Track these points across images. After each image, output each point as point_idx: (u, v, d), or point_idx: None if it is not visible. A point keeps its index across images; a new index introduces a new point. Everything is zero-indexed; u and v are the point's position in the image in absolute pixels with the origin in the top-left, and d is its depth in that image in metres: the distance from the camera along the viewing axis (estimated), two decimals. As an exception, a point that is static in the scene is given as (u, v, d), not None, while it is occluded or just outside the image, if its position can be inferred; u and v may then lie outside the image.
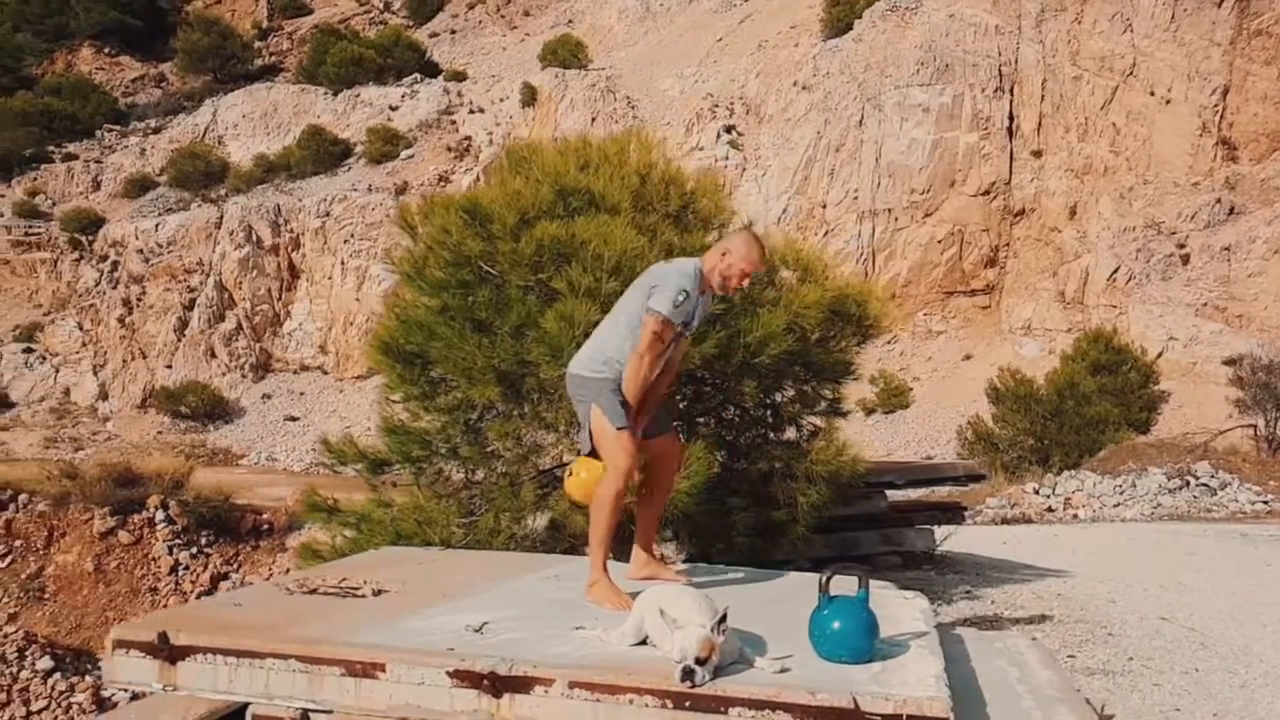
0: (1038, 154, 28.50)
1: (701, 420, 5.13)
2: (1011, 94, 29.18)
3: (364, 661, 2.54)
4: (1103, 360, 20.74)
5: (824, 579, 2.79)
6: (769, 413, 5.35)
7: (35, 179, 40.46)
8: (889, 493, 8.42)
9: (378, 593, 3.40)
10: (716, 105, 35.83)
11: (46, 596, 21.97)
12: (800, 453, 5.18)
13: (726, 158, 34.08)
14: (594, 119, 36.94)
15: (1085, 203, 27.57)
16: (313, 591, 3.39)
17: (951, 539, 9.64)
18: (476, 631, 2.84)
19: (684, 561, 4.66)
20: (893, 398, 27.47)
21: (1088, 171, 27.75)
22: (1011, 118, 29.02)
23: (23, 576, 22.25)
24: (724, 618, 2.57)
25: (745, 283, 3.69)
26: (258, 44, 47.48)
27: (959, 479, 7.98)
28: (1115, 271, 26.13)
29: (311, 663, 2.58)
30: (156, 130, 42.54)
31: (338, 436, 5.36)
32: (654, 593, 2.80)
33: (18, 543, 22.81)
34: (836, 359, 5.31)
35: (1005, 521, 15.11)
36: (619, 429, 3.46)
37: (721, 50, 38.64)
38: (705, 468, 4.53)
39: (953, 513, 7.94)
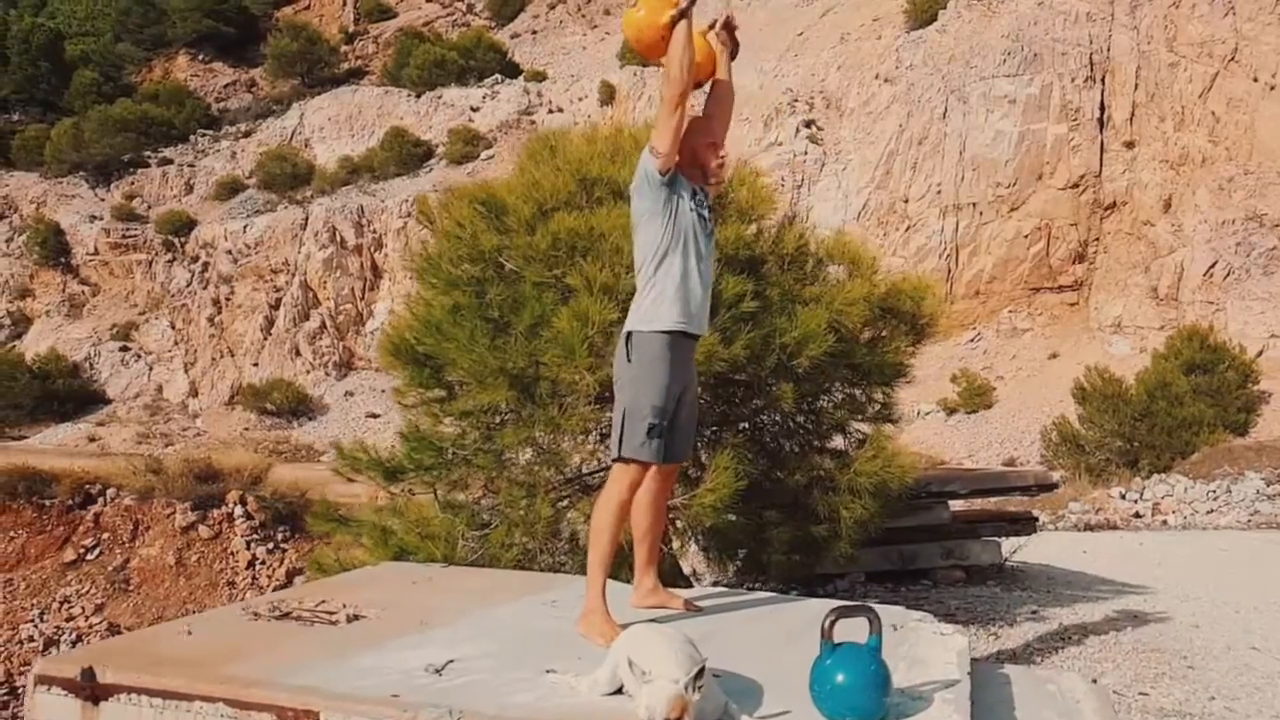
0: (1130, 145, 27.15)
1: (727, 428, 4.76)
2: (1103, 83, 27.87)
3: (295, 708, 2.28)
4: (1198, 359, 19.69)
5: (826, 622, 2.41)
6: (811, 419, 4.95)
7: (133, 183, 42.00)
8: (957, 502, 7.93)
9: (353, 618, 3.15)
10: (796, 100, 35.20)
11: (131, 588, 22.67)
12: (844, 463, 4.77)
13: (805, 152, 33.44)
14: (670, 116, 36.62)
15: (1181, 195, 26.16)
16: (285, 616, 3.15)
17: (1028, 548, 9.06)
18: (437, 672, 2.55)
19: (712, 582, 4.31)
20: (975, 397, 26.54)
21: (1184, 162, 26.31)
22: (1103, 108, 27.72)
23: (109, 569, 23.01)
24: (701, 671, 2.21)
25: (724, 156, 3.43)
26: (344, 48, 48.45)
27: (1028, 488, 7.41)
28: (1212, 266, 24.72)
29: (240, 707, 2.33)
30: (246, 134, 43.74)
31: (350, 442, 5.17)
32: (629, 634, 2.46)
33: (105, 535, 23.60)
34: (886, 361, 4.88)
35: (1089, 528, 14.34)
36: (628, 460, 3.14)
37: (802, 44, 37.94)
38: (732, 479, 4.17)
39: (1023, 523, 7.38)
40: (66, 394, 36.06)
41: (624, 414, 3.18)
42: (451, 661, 2.64)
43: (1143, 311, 26.09)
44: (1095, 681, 4.06)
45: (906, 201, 29.78)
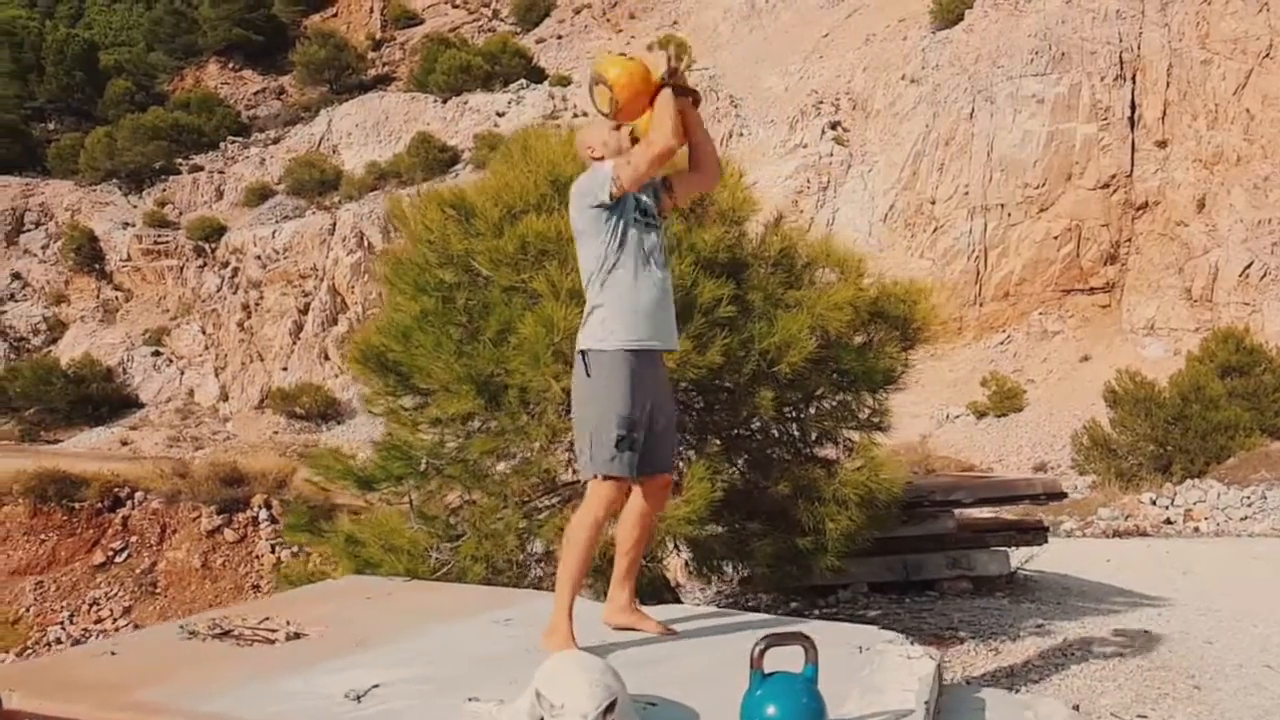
0: (1162, 144, 26.60)
1: (705, 437, 4.60)
2: (1133, 82, 27.34)
3: (189, 736, 2.17)
4: (1233, 361, 19.18)
5: (756, 650, 2.25)
6: (796, 427, 4.78)
7: (164, 190, 42.55)
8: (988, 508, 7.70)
9: (293, 637, 3.03)
10: (821, 101, 34.92)
11: (158, 591, 22.88)
12: (830, 472, 4.60)
13: (831, 154, 33.14)
14: (695, 119, 36.48)
15: (1215, 194, 25.56)
16: (226, 634, 3.05)
17: (1047, 556, 8.80)
18: (356, 700, 2.43)
19: (709, 598, 4.15)
20: (1005, 401, 26.10)
21: (1218, 161, 25.71)
22: (1133, 106, 27.19)
23: (137, 571, 23.26)
24: (613, 705, 2.06)
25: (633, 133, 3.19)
26: (371, 55, 48.81)
27: (1036, 497, 7.17)
28: (1248, 267, 24.13)
29: (145, 735, 2.22)
30: (275, 141, 44.16)
31: (323, 450, 5.07)
32: (548, 663, 2.32)
33: (133, 538, 23.84)
34: (875, 366, 4.70)
35: (1118, 534, 14.01)
36: (602, 477, 3.00)
37: (828, 46, 37.65)
38: (708, 490, 4.01)
39: (1033, 533, 7.14)
40: (100, 398, 36.60)
41: (590, 431, 3.05)
42: (376, 686, 2.52)
43: (1176, 313, 25.54)
44: (1077, 708, 3.87)
45: (933, 203, 29.39)
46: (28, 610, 21.95)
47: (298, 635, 3.06)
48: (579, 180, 3.13)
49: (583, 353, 3.09)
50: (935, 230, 29.25)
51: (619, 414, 2.99)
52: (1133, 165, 26.96)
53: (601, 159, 3.16)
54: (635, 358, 3.03)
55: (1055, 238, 27.44)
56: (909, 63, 31.98)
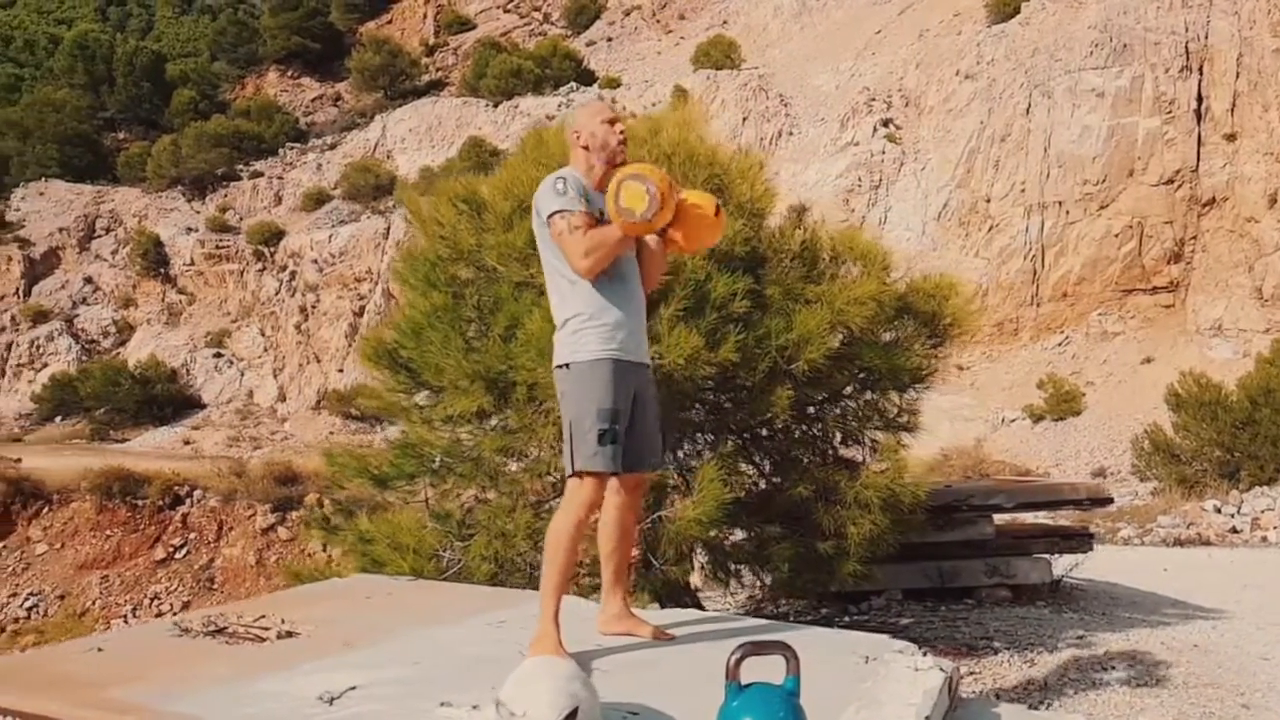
0: (1231, 137, 25.67)
1: (719, 437, 4.48)
2: (1200, 73, 26.45)
3: (157, 737, 2.12)
4: (1306, 364, 18.40)
5: (731, 660, 2.13)
6: (815, 427, 4.63)
7: (225, 195, 43.52)
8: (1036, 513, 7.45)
9: (285, 635, 2.99)
10: (873, 99, 34.44)
11: (215, 586, 23.36)
12: (851, 475, 4.44)
13: (883, 152, 32.65)
14: (745, 119, 36.27)
15: (1288, 189, 24.64)
16: (219, 632, 3.01)
17: (1101, 563, 8.49)
18: (329, 703, 2.37)
19: (742, 605, 4.04)
20: (1062, 404, 25.41)
21: (1291, 154, 24.78)
22: (1200, 99, 26.30)
23: (196, 567, 23.78)
24: (574, 714, 1.96)
25: (622, 131, 3.12)
26: (424, 60, 49.36)
27: (1080, 502, 6.88)
28: (1324, 265, 23.19)
29: (107, 734, 2.18)
30: (332, 146, 44.89)
31: (339, 448, 5.05)
32: (517, 670, 2.23)
33: (192, 535, 24.39)
34: (900, 365, 4.53)
35: (1179, 543, 13.52)
36: (584, 473, 2.92)
37: (880, 42, 37.14)
38: (719, 491, 3.89)
39: (1077, 540, 6.86)
40: (165, 399, 37.56)
41: (571, 426, 2.99)
42: (353, 688, 2.45)
43: (1245, 313, 24.63)
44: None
45: (988, 201, 28.77)
46: (94, 603, 22.57)
47: (290, 634, 3.02)
48: (542, 187, 3.04)
49: (560, 366, 3.06)
50: (990, 229, 28.63)
51: (600, 408, 2.93)
52: (1199, 160, 26.08)
53: (587, 149, 3.09)
54: (613, 363, 2.99)
55: (1116, 235, 26.66)
56: (963, 58, 31.38)
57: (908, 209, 30.48)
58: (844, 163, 32.39)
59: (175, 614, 20.18)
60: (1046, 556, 6.69)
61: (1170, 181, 26.17)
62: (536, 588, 3.18)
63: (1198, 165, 26.01)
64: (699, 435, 4.44)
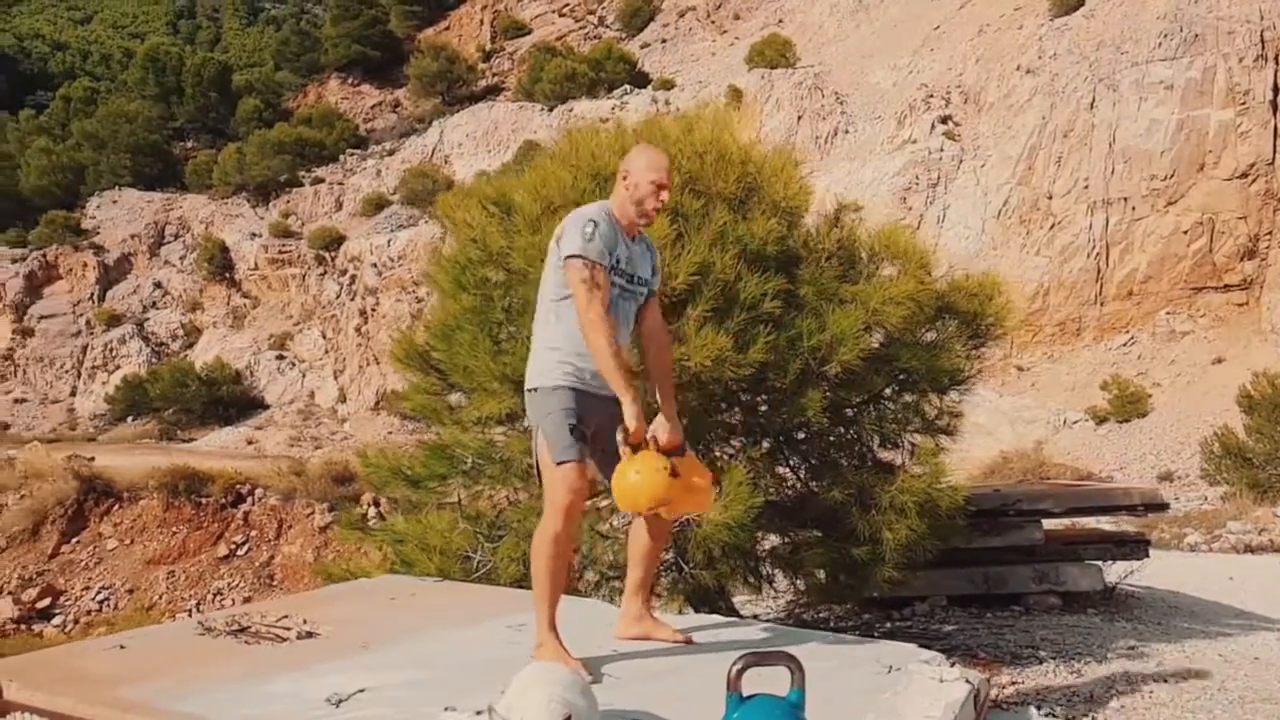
0: (1309, 128, 24.76)
1: (748, 439, 4.41)
2: (1276, 62, 25.52)
3: (160, 735, 2.14)
4: (1387, 365, 17.63)
5: (732, 670, 2.07)
6: (851, 430, 4.54)
7: (288, 201, 44.48)
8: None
9: (305, 636, 3.01)
10: (931, 95, 33.90)
11: (275, 583, 23.83)
12: (886, 478, 4.34)
13: (941, 149, 32.13)
14: (800, 117, 35.97)
15: (1369, 182, 23.65)
16: (242, 630, 3.04)
17: (1162, 570, 8.21)
18: (335, 705, 2.37)
19: (785, 610, 3.97)
20: (1128, 405, 24.69)
21: (1372, 145, 23.79)
22: (1275, 89, 25.37)
23: (256, 564, 24.28)
24: (565, 721, 1.93)
25: (664, 199, 3.13)
26: (481, 66, 49.86)
27: (1134, 508, 6.64)
28: None
29: (114, 731, 2.20)
30: (391, 152, 45.58)
31: (372, 449, 5.09)
32: (518, 676, 2.20)
33: (253, 533, 24.92)
34: (938, 365, 4.41)
35: (1248, 549, 13.06)
36: (559, 463, 2.91)
37: (938, 38, 36.54)
38: (747, 495, 3.83)
39: (1132, 546, 6.63)
40: (230, 399, 38.51)
41: (541, 431, 3.03)
42: (361, 691, 2.45)
43: (1323, 311, 23.74)
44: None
45: (1050, 198, 28.11)
46: (161, 597, 23.20)
47: (310, 634, 3.04)
48: (574, 220, 3.06)
49: (529, 390, 3.11)
50: (1052, 226, 27.97)
51: (565, 408, 3.01)
52: (1275, 153, 25.17)
53: (628, 191, 3.11)
54: (573, 390, 3.04)
55: (1185, 232, 25.84)
56: (1024, 52, 30.72)
57: (966, 207, 29.93)
58: (901, 160, 31.93)
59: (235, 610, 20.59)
60: (1099, 563, 6.48)
61: (1244, 176, 25.30)
62: (571, 590, 3.15)
63: (1273, 158, 25.11)
64: (731, 438, 4.37)
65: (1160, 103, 26.37)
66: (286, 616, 3.18)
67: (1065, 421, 25.60)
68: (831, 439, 4.59)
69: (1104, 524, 9.35)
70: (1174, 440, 23.13)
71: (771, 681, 2.15)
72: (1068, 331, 27.39)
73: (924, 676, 2.80)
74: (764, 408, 4.34)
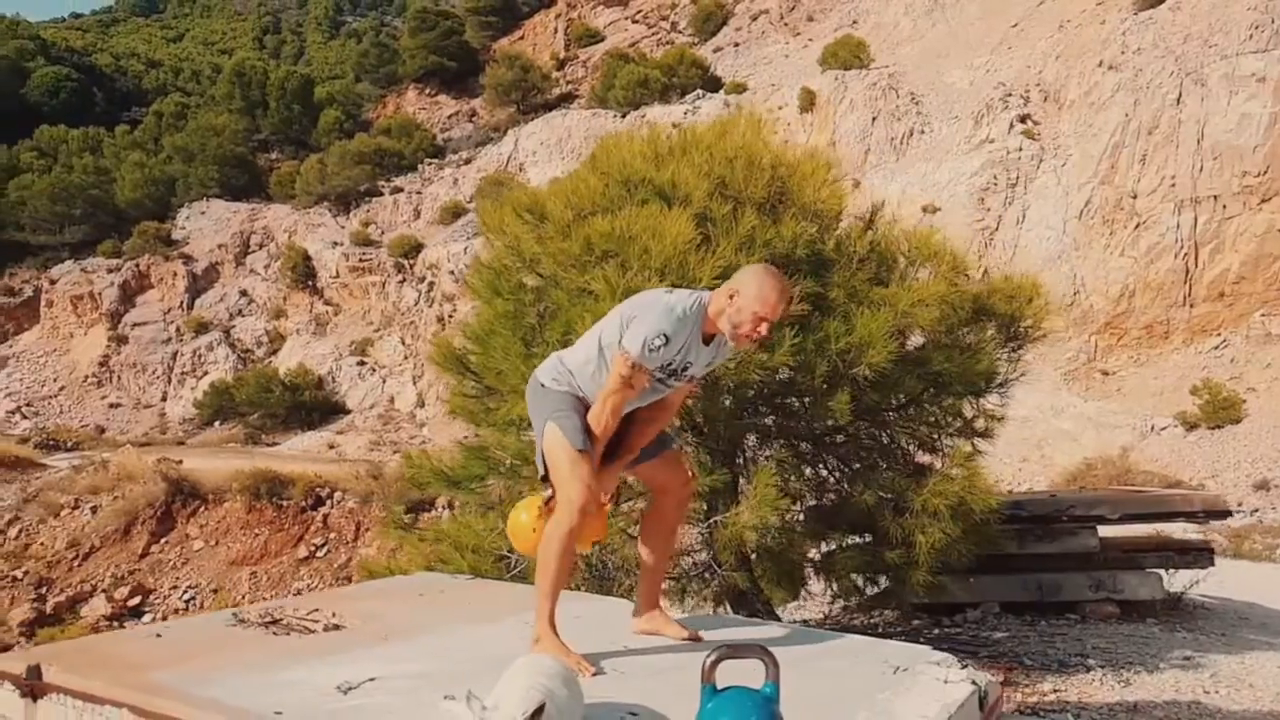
0: None
1: (777, 442, 4.41)
2: (1375, 51, 24.35)
3: (173, 718, 2.27)
4: None
5: (707, 663, 2.11)
6: (883, 432, 4.51)
7: (368, 210, 45.62)
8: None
9: (331, 628, 3.14)
10: (1010, 94, 33.14)
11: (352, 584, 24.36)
12: (918, 482, 4.31)
13: (1020, 149, 31.37)
14: (874, 119, 35.51)
15: None
16: (274, 622, 3.19)
17: (1241, 580, 7.93)
18: (344, 693, 2.48)
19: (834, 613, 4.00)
20: (1220, 411, 23.71)
21: None
22: (1375, 79, 24.20)
23: (335, 565, 24.93)
24: (540, 709, 1.99)
25: (763, 332, 2.97)
26: (555, 74, 50.45)
27: (1195, 514, 6.42)
28: None
29: (142, 715, 2.35)
30: (467, 161, 46.41)
31: (414, 451, 5.23)
32: (510, 667, 2.28)
33: (332, 535, 25.59)
34: (971, 368, 4.36)
35: (1337, 559, 12.50)
36: (580, 450, 2.95)
37: (1017, 36, 35.72)
38: (773, 497, 3.84)
39: (1195, 554, 6.42)
40: (313, 405, 39.63)
41: (553, 419, 3.05)
42: (372, 680, 2.56)
43: None
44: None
45: (1135, 197, 27.22)
46: (243, 597, 23.99)
47: (336, 627, 3.17)
48: (653, 306, 2.96)
49: (540, 385, 3.15)
50: (1137, 226, 27.07)
51: (574, 406, 3.07)
52: (1374, 146, 24.01)
53: (732, 305, 2.94)
54: (575, 398, 3.11)
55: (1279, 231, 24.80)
56: (1107, 48, 29.83)
57: (1047, 207, 29.16)
58: (979, 161, 31.28)
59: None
60: (1159, 572, 6.29)
61: (1341, 170, 24.18)
62: (590, 589, 3.23)
63: (1374, 152, 23.94)
64: (765, 442, 4.39)
65: (1251, 96, 25.35)
66: (317, 610, 3.32)
67: (1153, 428, 24.71)
68: (867, 442, 4.58)
69: (1189, 533, 9.04)
70: (1271, 447, 22.16)
71: (768, 678, 2.18)
72: (1155, 334, 26.49)
73: (929, 677, 2.78)
74: (797, 409, 4.35)
